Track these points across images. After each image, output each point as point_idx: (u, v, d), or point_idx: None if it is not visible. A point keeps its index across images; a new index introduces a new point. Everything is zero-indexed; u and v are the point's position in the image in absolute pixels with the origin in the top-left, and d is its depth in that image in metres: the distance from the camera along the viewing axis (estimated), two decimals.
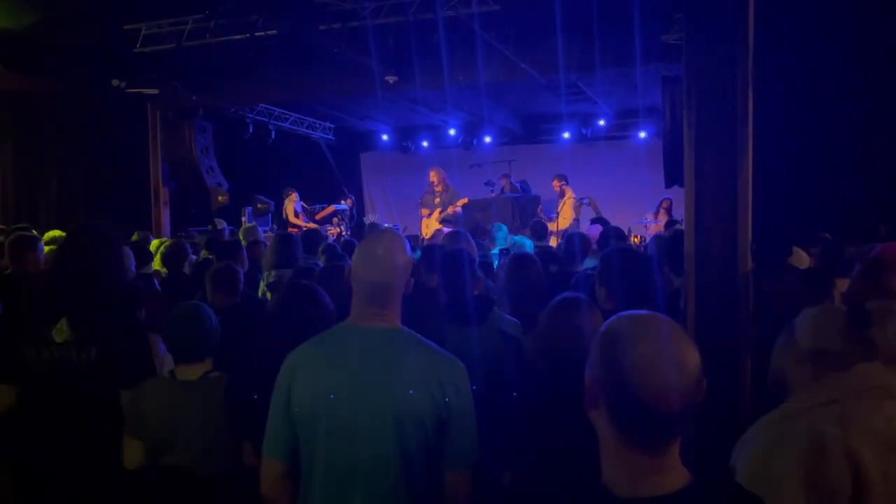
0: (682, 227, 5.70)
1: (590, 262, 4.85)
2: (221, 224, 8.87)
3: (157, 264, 5.46)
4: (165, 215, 9.86)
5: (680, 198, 4.23)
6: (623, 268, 2.76)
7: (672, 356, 1.20)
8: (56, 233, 5.50)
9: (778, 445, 1.61)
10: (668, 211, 10.43)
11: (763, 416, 1.79)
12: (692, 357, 1.21)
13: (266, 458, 2.08)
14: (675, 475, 1.23)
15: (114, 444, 2.64)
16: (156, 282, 4.78)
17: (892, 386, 1.65)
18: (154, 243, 6.14)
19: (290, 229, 9.92)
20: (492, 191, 10.77)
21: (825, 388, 1.68)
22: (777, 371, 1.85)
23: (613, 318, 1.30)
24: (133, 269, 4.46)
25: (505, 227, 6.80)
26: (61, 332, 2.61)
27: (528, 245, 5.81)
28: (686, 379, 1.19)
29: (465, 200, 10.26)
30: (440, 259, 3.26)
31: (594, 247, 5.24)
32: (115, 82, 8.75)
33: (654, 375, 1.18)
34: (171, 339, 2.69)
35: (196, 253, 6.31)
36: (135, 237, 6.40)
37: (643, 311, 1.29)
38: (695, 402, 1.20)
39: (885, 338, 1.74)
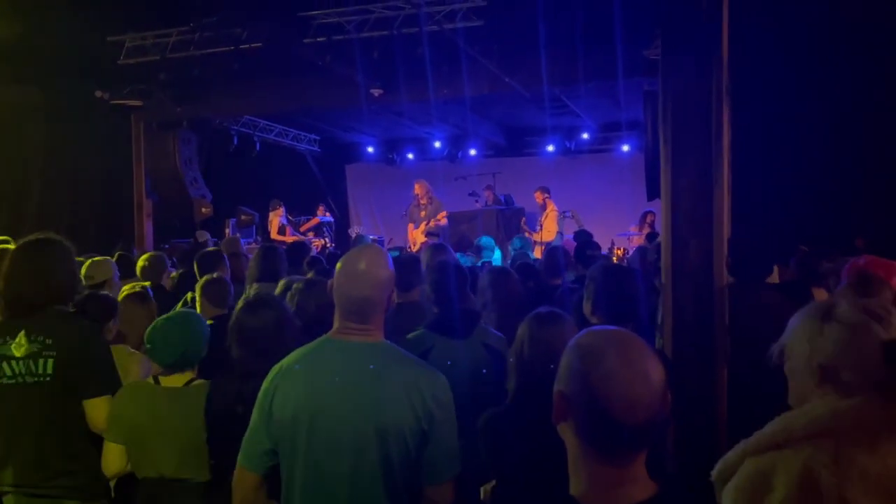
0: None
1: (569, 276, 4.89)
2: (204, 236, 8.81)
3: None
4: (148, 227, 9.80)
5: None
6: (610, 282, 2.79)
7: (637, 370, 1.23)
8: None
9: (768, 482, 1.52)
10: (652, 224, 10.53)
11: (744, 420, 1.72)
12: (657, 371, 1.25)
13: (241, 468, 2.08)
14: (642, 486, 1.26)
15: (78, 456, 2.63)
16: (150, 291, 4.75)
17: (893, 422, 1.50)
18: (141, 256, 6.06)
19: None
20: (476, 201, 10.83)
21: (823, 413, 1.55)
22: (790, 367, 1.68)
23: (581, 333, 1.34)
24: (116, 278, 4.44)
25: (492, 240, 6.83)
26: (20, 345, 2.60)
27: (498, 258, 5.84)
28: (651, 392, 1.23)
29: (445, 213, 10.30)
30: (432, 272, 3.27)
31: (572, 259, 5.27)
32: (98, 93, 8.71)
33: (621, 388, 1.21)
34: (156, 345, 2.68)
35: (176, 266, 6.26)
36: (117, 254, 6.33)
37: (610, 327, 1.34)
38: (660, 415, 1.23)
39: None
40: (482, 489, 2.26)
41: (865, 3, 4.96)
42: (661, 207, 2.87)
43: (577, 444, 1.27)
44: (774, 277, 4.12)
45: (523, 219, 10.36)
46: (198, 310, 3.70)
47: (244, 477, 2.08)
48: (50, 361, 2.59)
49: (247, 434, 2.08)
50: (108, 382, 2.69)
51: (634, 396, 1.21)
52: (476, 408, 2.34)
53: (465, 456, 2.08)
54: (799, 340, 1.65)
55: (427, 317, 3.24)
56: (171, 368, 2.67)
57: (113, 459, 2.61)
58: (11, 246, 4.91)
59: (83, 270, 4.17)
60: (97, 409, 2.63)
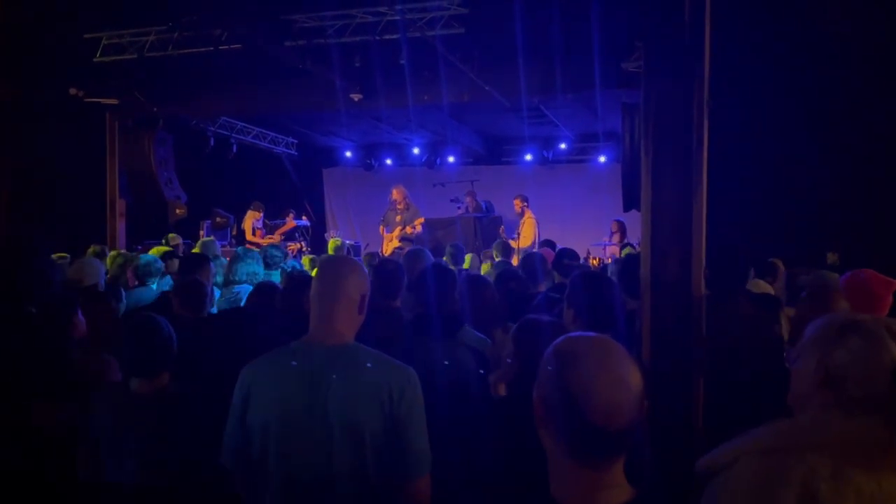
0: (637, 249, 5.79)
1: (546, 283, 4.91)
2: (176, 240, 8.70)
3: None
4: (121, 227, 9.64)
5: (634, 221, 4.33)
6: (591, 290, 2.81)
7: (615, 375, 1.25)
8: None
9: (771, 488, 1.51)
10: (620, 233, 10.69)
11: (719, 429, 1.73)
12: (635, 377, 1.27)
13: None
14: (620, 491, 1.29)
15: (32, 457, 2.57)
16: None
17: (890, 443, 1.51)
18: (111, 255, 5.98)
19: (247, 245, 9.79)
20: (458, 207, 10.87)
21: (829, 426, 1.55)
22: (798, 369, 1.68)
23: (560, 339, 1.35)
24: (102, 281, 4.36)
25: (463, 249, 6.85)
26: None
27: None
28: (629, 397, 1.25)
29: (423, 219, 10.32)
30: (420, 275, 3.28)
31: (549, 267, 5.30)
32: (72, 91, 8.57)
33: (598, 393, 1.23)
34: (125, 351, 2.62)
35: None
36: (92, 250, 6.24)
37: (589, 333, 1.35)
38: (637, 421, 1.26)
39: None
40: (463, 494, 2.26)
41: (844, 24, 5.09)
42: (633, 216, 2.91)
43: (557, 448, 1.29)
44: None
45: (501, 227, 10.42)
46: (175, 312, 3.62)
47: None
48: (7, 360, 2.59)
49: (225, 433, 2.10)
50: (60, 385, 2.66)
51: (612, 401, 1.23)
52: (457, 410, 2.34)
53: (444, 457, 2.09)
54: (814, 345, 1.66)
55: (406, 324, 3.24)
56: (142, 376, 2.60)
57: (84, 463, 2.55)
58: None
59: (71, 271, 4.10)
60: None
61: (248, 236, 10.84)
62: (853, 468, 1.49)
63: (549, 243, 7.95)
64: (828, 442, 1.53)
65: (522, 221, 10.29)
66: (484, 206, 10.83)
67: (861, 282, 3.16)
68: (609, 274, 5.55)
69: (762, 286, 4.37)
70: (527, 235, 10.08)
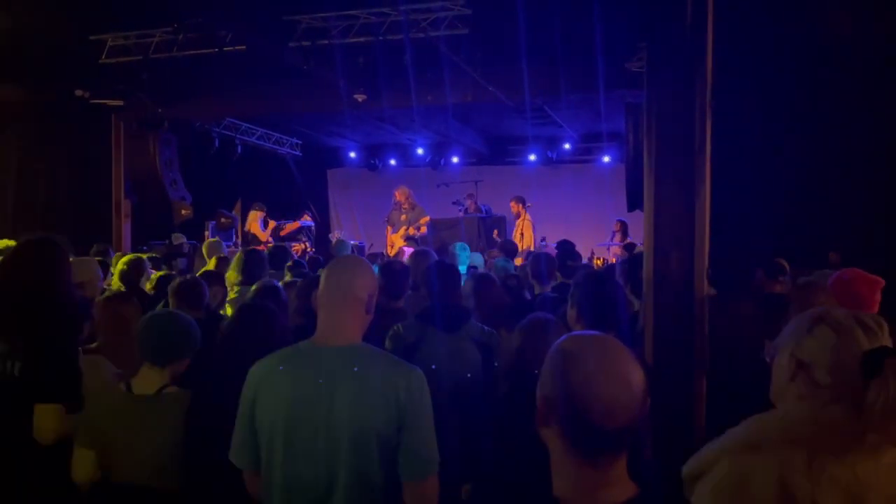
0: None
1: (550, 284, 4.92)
2: (180, 239, 8.71)
3: (115, 281, 5.33)
4: (126, 228, 9.68)
5: (638, 221, 4.36)
6: (595, 289, 2.83)
7: (617, 373, 1.26)
8: (8, 242, 5.37)
9: (746, 485, 1.54)
10: (623, 233, 10.68)
11: (721, 428, 1.76)
12: (637, 375, 1.28)
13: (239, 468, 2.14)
14: (622, 488, 1.30)
15: (39, 462, 2.58)
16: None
17: (865, 433, 1.52)
18: (120, 260, 5.98)
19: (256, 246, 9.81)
20: (460, 210, 10.88)
21: (799, 419, 1.59)
22: (776, 362, 1.72)
23: (563, 338, 1.36)
24: (101, 284, 4.39)
25: (468, 247, 6.86)
26: None
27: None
28: (631, 395, 1.26)
29: (427, 219, 10.33)
30: (430, 269, 3.31)
31: (555, 267, 5.31)
32: (78, 92, 8.61)
33: (600, 391, 1.24)
34: (140, 342, 2.66)
35: (158, 267, 6.22)
36: (94, 249, 6.27)
37: (592, 332, 1.37)
38: (639, 419, 1.27)
39: (880, 394, 1.51)
40: (464, 489, 2.28)
41: (846, 26, 5.10)
42: (638, 217, 2.92)
43: (560, 446, 1.30)
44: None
45: (496, 230, 10.39)
46: None
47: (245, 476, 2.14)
48: (17, 364, 2.56)
49: (234, 433, 2.12)
50: (68, 392, 2.61)
51: (614, 399, 1.24)
52: (460, 401, 2.35)
53: (448, 454, 2.10)
54: (788, 338, 1.70)
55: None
56: (154, 364, 2.63)
57: (82, 466, 2.55)
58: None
59: None
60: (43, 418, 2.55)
61: (260, 236, 10.87)
62: (827, 458, 1.51)
63: (565, 243, 7.90)
64: (801, 434, 1.55)
65: (518, 223, 10.28)
66: (484, 210, 10.84)
67: (845, 282, 3.15)
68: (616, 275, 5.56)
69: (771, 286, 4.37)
70: (528, 237, 10.08)
